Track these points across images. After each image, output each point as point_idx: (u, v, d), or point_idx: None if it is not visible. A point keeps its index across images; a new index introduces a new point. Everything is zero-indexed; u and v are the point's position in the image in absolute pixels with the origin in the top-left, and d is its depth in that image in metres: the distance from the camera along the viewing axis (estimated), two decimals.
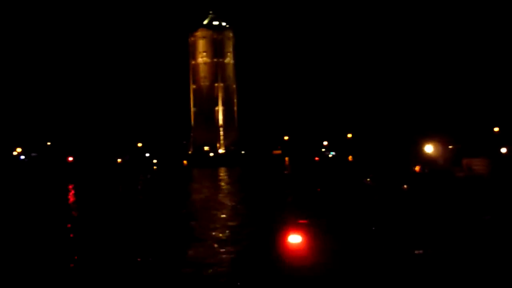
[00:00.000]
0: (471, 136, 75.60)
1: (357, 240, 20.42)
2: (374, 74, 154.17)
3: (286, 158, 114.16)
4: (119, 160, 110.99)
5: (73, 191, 51.25)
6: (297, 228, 16.84)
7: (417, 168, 50.53)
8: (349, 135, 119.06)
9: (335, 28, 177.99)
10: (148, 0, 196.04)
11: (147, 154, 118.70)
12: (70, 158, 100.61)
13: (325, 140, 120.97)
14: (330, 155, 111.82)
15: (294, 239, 15.56)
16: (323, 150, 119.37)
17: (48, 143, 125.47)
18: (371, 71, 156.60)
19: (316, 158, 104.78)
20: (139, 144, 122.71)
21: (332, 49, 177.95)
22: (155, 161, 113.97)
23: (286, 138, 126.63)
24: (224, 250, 20.70)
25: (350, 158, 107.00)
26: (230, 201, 40.56)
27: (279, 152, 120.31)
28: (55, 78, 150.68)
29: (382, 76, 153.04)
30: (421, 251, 19.66)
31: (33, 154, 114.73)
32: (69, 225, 27.71)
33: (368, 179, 47.88)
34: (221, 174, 78.85)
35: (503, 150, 69.63)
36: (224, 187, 55.66)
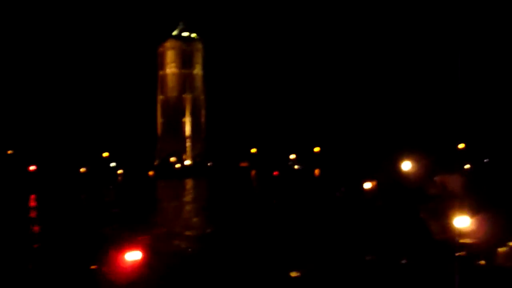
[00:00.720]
0: (443, 152, 73.14)
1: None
2: (343, 87, 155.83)
3: (253, 171, 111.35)
4: (82, 169, 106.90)
5: (34, 201, 50.66)
6: (136, 244, 16.69)
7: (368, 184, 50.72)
8: (316, 149, 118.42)
9: (302, 41, 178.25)
10: (117, 10, 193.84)
11: (112, 164, 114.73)
12: (32, 167, 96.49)
13: (293, 154, 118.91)
14: (296, 167, 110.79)
15: (132, 256, 15.37)
16: (289, 163, 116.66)
17: (9, 152, 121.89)
18: (340, 85, 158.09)
19: (275, 173, 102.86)
20: (105, 154, 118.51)
21: (301, 61, 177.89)
22: (120, 171, 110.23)
23: (253, 150, 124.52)
24: None
25: (316, 171, 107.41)
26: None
27: (246, 164, 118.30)
28: (19, 85, 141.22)
29: (352, 90, 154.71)
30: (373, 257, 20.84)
31: None
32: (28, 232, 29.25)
33: (339, 192, 47.31)
34: (187, 186, 79.40)
35: (467, 166, 68.36)
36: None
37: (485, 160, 78.93)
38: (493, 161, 79.17)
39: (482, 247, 27.83)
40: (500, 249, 29.44)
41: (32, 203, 47.95)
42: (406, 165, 49.01)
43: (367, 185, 50.36)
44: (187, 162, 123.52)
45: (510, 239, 23.13)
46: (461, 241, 38.14)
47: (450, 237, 38.96)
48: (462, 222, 26.62)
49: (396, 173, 53.80)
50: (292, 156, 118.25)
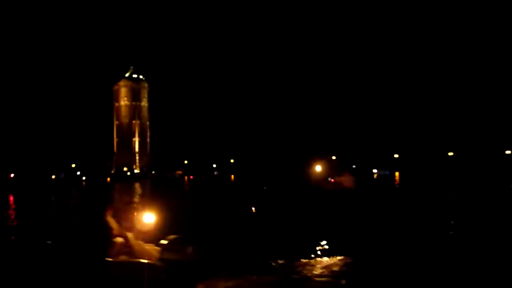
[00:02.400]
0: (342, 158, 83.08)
1: None
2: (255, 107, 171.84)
3: (186, 177, 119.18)
4: (53, 176, 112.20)
5: (12, 200, 48.60)
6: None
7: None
8: (232, 160, 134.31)
9: (220, 77, 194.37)
10: (83, 58, 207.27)
11: (78, 173, 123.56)
12: (12, 175, 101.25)
13: (214, 164, 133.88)
14: (216, 173, 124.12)
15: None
16: (214, 172, 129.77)
17: None
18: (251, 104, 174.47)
19: (191, 177, 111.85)
20: (73, 165, 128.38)
21: (217, 97, 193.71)
22: (84, 178, 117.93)
23: (185, 162, 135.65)
24: None
25: (232, 177, 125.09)
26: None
27: (180, 172, 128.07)
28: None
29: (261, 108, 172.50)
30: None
31: None
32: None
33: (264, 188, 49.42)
34: (135, 186, 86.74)
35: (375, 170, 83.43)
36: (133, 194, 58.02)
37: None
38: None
39: None
40: None
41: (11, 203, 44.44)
42: (317, 168, 50.67)
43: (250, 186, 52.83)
44: (136, 171, 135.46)
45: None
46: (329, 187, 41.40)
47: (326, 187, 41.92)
48: None
49: (305, 175, 57.23)
50: (214, 165, 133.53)
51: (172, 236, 9.01)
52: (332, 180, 46.66)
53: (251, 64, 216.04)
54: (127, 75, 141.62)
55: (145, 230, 8.74)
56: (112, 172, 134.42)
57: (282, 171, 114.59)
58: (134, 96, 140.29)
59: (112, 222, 8.48)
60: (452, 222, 19.05)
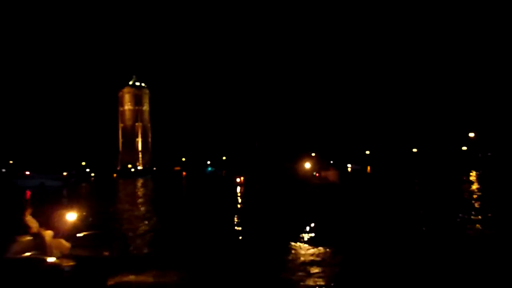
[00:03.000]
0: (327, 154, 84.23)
1: None
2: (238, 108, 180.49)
3: (184, 173, 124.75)
4: (64, 173, 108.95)
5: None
6: None
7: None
8: (224, 158, 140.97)
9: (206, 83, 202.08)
10: (92, 67, 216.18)
11: (88, 170, 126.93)
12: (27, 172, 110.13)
13: (209, 161, 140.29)
14: (209, 170, 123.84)
15: None
16: (208, 168, 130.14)
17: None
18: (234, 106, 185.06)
19: (184, 173, 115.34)
20: (83, 163, 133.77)
21: (211, 99, 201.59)
22: (92, 174, 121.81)
23: (183, 159, 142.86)
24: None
25: (223, 172, 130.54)
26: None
27: (178, 168, 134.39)
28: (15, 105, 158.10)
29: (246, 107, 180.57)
30: None
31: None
32: None
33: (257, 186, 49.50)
34: (139, 182, 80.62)
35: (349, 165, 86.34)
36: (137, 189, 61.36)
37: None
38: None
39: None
40: None
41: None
42: (306, 165, 47.81)
43: (238, 179, 53.70)
44: (139, 167, 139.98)
45: None
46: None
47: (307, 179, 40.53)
48: None
49: (291, 170, 50.70)
50: (208, 162, 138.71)
51: (86, 233, 8.43)
52: (317, 174, 43.18)
53: (239, 67, 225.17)
54: (130, 83, 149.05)
55: (67, 228, 8.17)
56: (118, 168, 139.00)
57: (269, 167, 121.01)
58: (137, 101, 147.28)
59: (30, 220, 7.66)
60: (421, 212, 19.37)
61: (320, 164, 47.61)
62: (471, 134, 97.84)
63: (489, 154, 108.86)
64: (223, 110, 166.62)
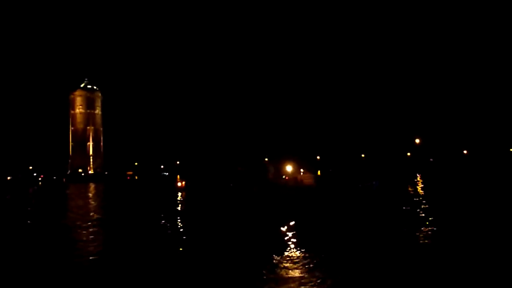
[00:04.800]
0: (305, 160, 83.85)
1: None
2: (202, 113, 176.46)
3: (136, 177, 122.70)
4: (8, 177, 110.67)
5: None
6: None
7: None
8: (178, 162, 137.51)
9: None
10: (44, 70, 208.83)
11: (35, 174, 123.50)
12: None
13: (162, 165, 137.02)
14: (165, 174, 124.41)
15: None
16: (162, 173, 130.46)
17: None
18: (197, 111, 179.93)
19: (136, 177, 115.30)
20: (30, 167, 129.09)
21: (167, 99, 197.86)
22: (40, 178, 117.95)
23: (136, 163, 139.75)
24: None
25: (178, 177, 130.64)
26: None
27: (131, 173, 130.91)
28: None
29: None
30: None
31: None
32: None
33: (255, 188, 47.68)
34: (90, 187, 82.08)
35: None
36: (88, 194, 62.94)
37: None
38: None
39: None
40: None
41: None
42: (287, 168, 50.48)
43: (179, 184, 55.60)
44: (90, 172, 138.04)
45: None
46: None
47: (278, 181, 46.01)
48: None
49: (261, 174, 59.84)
50: (162, 166, 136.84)
51: None
52: (287, 177, 47.77)
53: (192, 71, 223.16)
54: (82, 85, 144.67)
55: None
56: (68, 173, 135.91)
57: (219, 171, 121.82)
58: (89, 104, 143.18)
59: None
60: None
61: (298, 167, 49.52)
62: (417, 140, 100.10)
63: (431, 159, 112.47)
64: (178, 114, 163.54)
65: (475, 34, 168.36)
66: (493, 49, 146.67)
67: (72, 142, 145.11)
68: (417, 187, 40.07)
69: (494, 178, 44.96)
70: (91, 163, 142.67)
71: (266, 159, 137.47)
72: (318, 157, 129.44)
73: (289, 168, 49.66)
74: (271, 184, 47.74)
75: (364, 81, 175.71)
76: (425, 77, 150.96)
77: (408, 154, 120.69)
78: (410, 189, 36.89)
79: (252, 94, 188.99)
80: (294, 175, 47.62)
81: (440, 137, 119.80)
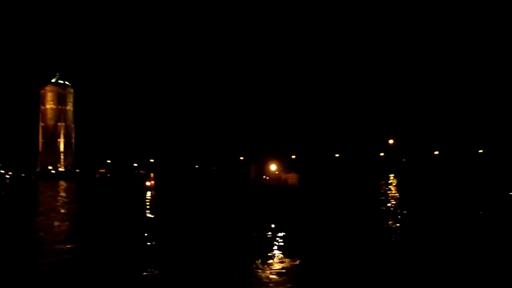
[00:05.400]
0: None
1: None
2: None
3: (108, 175, 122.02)
4: None
5: None
6: None
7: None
8: (152, 160, 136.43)
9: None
10: (14, 64, 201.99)
11: (2, 171, 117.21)
12: None
13: (136, 163, 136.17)
14: (140, 172, 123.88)
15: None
16: (136, 170, 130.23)
17: None
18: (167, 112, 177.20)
19: (108, 175, 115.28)
20: None
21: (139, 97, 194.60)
22: (8, 176, 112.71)
23: (108, 161, 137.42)
24: None
25: (151, 175, 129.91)
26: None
27: (103, 171, 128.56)
28: None
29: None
30: None
31: None
32: None
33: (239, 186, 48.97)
34: (60, 185, 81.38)
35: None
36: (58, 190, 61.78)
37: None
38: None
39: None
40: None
41: None
42: (271, 167, 51.29)
43: (148, 183, 56.77)
44: (61, 169, 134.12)
45: None
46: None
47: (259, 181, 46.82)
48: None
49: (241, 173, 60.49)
50: (135, 164, 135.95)
51: None
52: (267, 178, 48.66)
53: (166, 68, 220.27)
54: (53, 80, 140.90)
55: None
56: (38, 170, 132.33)
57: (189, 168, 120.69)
58: (60, 100, 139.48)
59: None
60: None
61: (282, 167, 49.85)
62: (391, 141, 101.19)
63: (403, 160, 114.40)
64: (152, 112, 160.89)
65: (446, 38, 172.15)
66: (463, 54, 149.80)
67: (42, 138, 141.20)
68: (391, 186, 41.25)
69: (463, 178, 47.09)
70: (62, 160, 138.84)
71: (241, 158, 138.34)
72: (293, 157, 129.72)
73: (273, 167, 49.27)
74: (253, 184, 47.69)
75: (339, 81, 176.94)
76: (400, 79, 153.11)
77: (382, 154, 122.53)
78: (384, 188, 38.05)
79: (227, 93, 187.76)
80: (278, 175, 47.12)
81: (412, 138, 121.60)
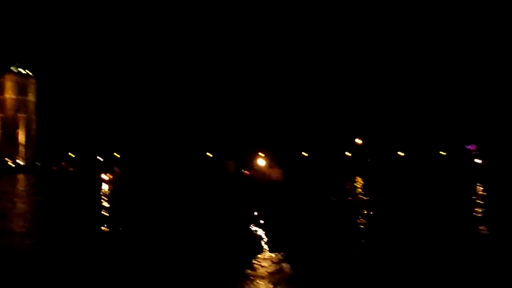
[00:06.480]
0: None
1: None
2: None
3: (71, 168, 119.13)
4: None
5: None
6: None
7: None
8: (116, 154, 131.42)
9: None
10: None
11: None
12: None
13: (101, 157, 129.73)
14: (104, 166, 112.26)
15: None
16: (100, 164, 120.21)
17: None
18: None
19: (71, 169, 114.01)
20: None
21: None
22: None
23: (72, 155, 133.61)
24: None
25: (116, 169, 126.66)
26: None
27: (66, 164, 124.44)
28: None
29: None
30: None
31: None
32: None
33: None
34: (19, 179, 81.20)
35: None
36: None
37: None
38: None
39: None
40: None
41: None
42: (259, 162, 51.89)
43: (105, 176, 55.87)
44: (21, 163, 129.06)
45: None
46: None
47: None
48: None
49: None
50: (100, 158, 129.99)
51: None
52: (247, 172, 50.21)
53: (133, 55, 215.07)
54: (13, 68, 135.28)
55: None
56: None
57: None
58: (21, 90, 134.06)
59: None
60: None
61: (266, 162, 50.60)
62: (358, 141, 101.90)
63: (368, 160, 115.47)
64: (118, 104, 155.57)
65: (412, 37, 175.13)
66: (430, 55, 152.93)
67: (0, 129, 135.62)
68: (356, 185, 43.23)
69: (426, 178, 49.63)
70: (22, 152, 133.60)
71: (208, 154, 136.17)
72: (253, 153, 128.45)
73: (261, 162, 50.38)
74: (233, 179, 47.86)
75: (306, 79, 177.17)
76: (367, 79, 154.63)
77: (348, 154, 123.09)
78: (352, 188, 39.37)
79: (194, 87, 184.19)
80: (262, 170, 47.85)
81: (377, 138, 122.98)
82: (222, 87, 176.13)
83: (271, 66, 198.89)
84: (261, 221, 18.36)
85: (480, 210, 22.80)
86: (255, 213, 21.08)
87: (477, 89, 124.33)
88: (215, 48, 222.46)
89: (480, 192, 33.79)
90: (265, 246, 14.26)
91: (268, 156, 55.89)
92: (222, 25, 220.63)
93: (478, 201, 27.29)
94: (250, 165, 54.73)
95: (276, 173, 45.98)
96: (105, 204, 27.73)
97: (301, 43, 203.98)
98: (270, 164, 50.95)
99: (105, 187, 45.30)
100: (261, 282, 10.30)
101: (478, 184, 40.12)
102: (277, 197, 28.95)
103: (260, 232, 16.49)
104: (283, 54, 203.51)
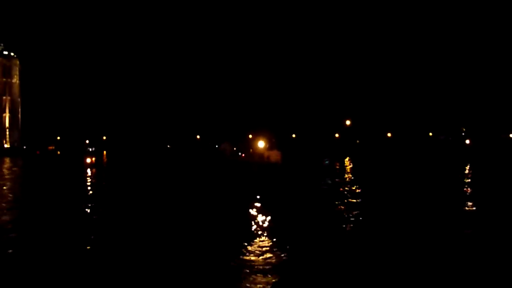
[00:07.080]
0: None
1: None
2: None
3: (58, 152, 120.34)
4: None
5: None
6: None
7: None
8: (104, 137, 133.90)
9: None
10: None
11: None
12: None
13: (87, 140, 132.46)
14: (91, 149, 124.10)
15: None
16: (87, 148, 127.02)
17: None
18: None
19: (58, 152, 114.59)
20: None
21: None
22: None
23: (58, 138, 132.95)
24: None
25: (104, 152, 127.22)
26: None
27: (52, 147, 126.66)
28: None
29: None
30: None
31: None
32: None
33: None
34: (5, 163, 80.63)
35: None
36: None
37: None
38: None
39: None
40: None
41: None
42: (259, 144, 49.46)
43: (88, 160, 56.50)
44: (6, 146, 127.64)
45: None
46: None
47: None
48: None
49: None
50: (87, 141, 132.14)
51: None
52: (243, 155, 49.10)
53: (122, 37, 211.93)
54: None
55: None
56: None
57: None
58: (5, 72, 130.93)
59: None
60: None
61: (265, 144, 49.60)
62: (347, 122, 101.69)
63: (357, 141, 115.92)
64: (105, 86, 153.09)
65: (399, 21, 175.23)
66: (420, 40, 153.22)
67: None
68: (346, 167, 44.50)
69: (414, 158, 50.24)
70: (8, 136, 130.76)
71: (198, 137, 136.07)
72: (250, 136, 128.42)
73: (261, 144, 49.13)
74: (230, 161, 47.41)
75: (296, 62, 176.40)
76: (356, 62, 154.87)
77: (337, 135, 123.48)
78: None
79: (182, 72, 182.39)
80: (261, 152, 47.46)
81: (367, 120, 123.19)
82: (215, 68, 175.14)
83: (262, 49, 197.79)
84: (262, 206, 18.21)
85: (466, 189, 23.39)
86: (257, 197, 20.95)
87: (464, 71, 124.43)
88: (208, 30, 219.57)
89: (467, 171, 34.63)
90: (265, 233, 14.06)
91: (266, 138, 55.34)
92: (213, 12, 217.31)
93: (464, 179, 27.99)
94: (246, 147, 54.24)
95: (275, 155, 45.54)
96: (89, 187, 27.94)
97: (292, 29, 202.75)
98: (269, 146, 50.55)
99: (90, 171, 45.15)
100: (259, 275, 10.01)
101: (465, 164, 41.06)
102: (277, 180, 28.97)
103: (261, 217, 16.29)
104: (276, 40, 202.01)
